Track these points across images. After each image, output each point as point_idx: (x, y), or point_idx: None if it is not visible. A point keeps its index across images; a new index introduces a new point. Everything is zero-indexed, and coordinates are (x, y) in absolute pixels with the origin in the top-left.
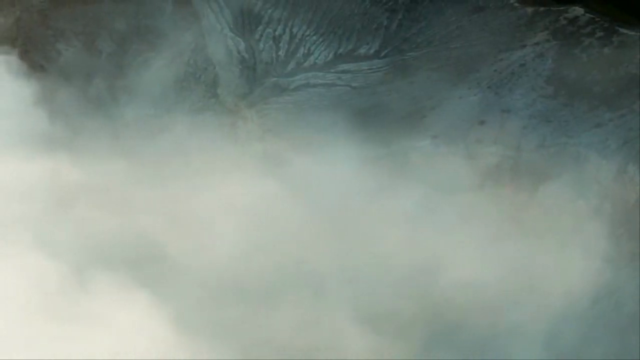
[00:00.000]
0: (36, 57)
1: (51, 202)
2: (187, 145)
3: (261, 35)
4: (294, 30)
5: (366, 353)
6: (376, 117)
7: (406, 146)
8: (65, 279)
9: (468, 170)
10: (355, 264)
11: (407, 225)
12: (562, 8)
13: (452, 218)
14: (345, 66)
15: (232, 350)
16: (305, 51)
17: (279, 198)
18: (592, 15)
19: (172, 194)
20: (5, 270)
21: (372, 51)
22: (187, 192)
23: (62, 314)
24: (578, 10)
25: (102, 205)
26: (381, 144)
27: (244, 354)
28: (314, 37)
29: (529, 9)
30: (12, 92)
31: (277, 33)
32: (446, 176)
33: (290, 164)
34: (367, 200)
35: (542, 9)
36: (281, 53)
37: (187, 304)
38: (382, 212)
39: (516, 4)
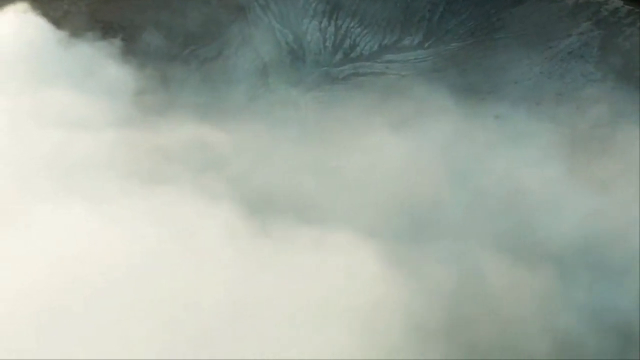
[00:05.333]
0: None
1: (204, 161)
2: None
3: (307, 27)
4: (339, 22)
5: (506, 281)
6: (436, 100)
7: (473, 124)
8: (236, 223)
9: (534, 145)
10: (486, 206)
11: (513, 180)
12: (601, 0)
13: (547, 178)
14: (391, 56)
15: (395, 283)
16: (351, 42)
17: (405, 156)
18: (631, 7)
19: (313, 154)
20: (182, 217)
21: (415, 42)
22: (326, 151)
23: (255, 254)
24: (617, 2)
25: (251, 163)
26: (450, 123)
27: (408, 286)
28: (359, 29)
29: (569, 1)
30: (116, 75)
31: (322, 25)
32: (514, 150)
33: (397, 134)
34: (472, 161)
35: (581, 1)
36: (328, 44)
37: (351, 240)
38: (488, 177)
39: None
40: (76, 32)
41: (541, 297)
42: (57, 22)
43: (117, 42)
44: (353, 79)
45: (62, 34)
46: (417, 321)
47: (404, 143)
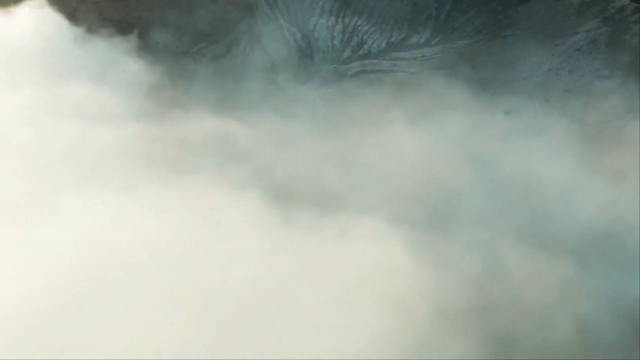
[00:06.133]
0: None
1: (224, 153)
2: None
3: (315, 25)
4: (347, 20)
5: (527, 268)
6: (445, 96)
7: (485, 120)
8: (261, 213)
9: (545, 140)
10: (501, 197)
11: (525, 173)
12: None
13: (558, 171)
14: (399, 54)
15: (420, 270)
16: (359, 40)
17: (419, 150)
18: (637, 5)
19: (330, 147)
20: (207, 206)
21: (423, 40)
22: (343, 144)
23: (281, 242)
24: (624, 0)
25: (272, 155)
26: (461, 118)
27: (433, 272)
28: (366, 27)
29: (575, 0)
30: (131, 70)
31: (330, 23)
32: (526, 144)
33: (417, 126)
34: (486, 155)
35: None
36: (336, 42)
37: (375, 229)
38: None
39: None
40: (91, 29)
41: (559, 283)
42: (68, 18)
43: (131, 38)
44: (362, 76)
45: (77, 30)
46: (443, 306)
47: (417, 137)
